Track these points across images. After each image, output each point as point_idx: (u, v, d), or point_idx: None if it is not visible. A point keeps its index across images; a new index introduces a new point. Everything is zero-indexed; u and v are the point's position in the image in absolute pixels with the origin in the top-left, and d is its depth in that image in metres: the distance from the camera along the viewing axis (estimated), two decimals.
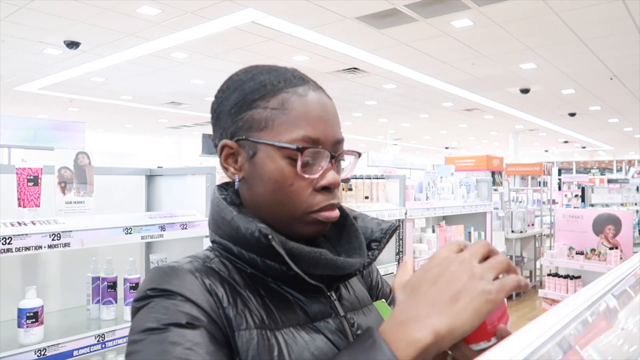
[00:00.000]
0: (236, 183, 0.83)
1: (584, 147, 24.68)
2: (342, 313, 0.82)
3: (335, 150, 0.80)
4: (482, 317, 0.58)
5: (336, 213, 0.81)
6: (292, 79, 0.80)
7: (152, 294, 0.71)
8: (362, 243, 0.87)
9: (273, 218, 0.80)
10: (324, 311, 0.80)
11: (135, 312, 0.72)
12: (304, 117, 0.77)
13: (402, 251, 3.24)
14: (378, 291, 0.99)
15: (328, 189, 0.79)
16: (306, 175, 0.77)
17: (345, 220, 0.90)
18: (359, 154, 0.86)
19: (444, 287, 0.61)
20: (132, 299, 0.78)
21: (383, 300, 0.94)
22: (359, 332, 0.82)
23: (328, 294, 0.82)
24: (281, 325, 0.75)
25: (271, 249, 0.74)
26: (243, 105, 0.79)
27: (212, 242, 0.84)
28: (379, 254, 0.88)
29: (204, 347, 0.65)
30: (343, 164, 0.85)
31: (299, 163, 0.76)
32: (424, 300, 0.61)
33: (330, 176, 0.78)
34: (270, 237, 0.73)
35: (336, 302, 0.82)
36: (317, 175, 0.78)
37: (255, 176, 0.80)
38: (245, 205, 0.83)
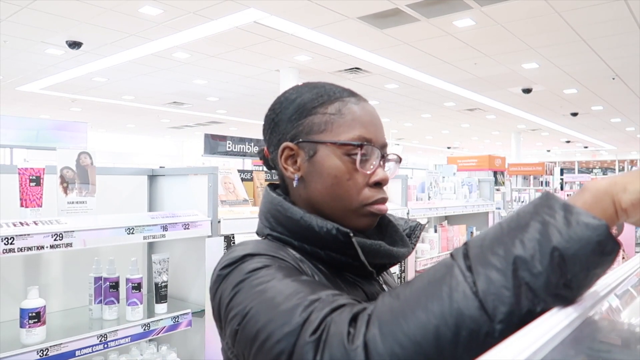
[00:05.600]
0: (295, 182, 0.90)
1: (586, 147, 24.64)
2: None
3: (383, 152, 0.89)
4: None
5: (386, 207, 0.89)
6: (342, 91, 0.91)
7: (245, 258, 0.77)
8: (403, 236, 0.97)
9: (329, 212, 0.88)
10: (377, 292, 0.90)
11: (225, 275, 0.77)
12: (359, 121, 0.87)
13: None
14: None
15: (379, 184, 0.88)
16: (362, 170, 0.85)
17: (382, 218, 0.99)
18: (400, 159, 0.96)
19: None
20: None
21: None
22: None
23: (377, 277, 0.93)
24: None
25: (344, 245, 0.82)
26: (303, 112, 0.88)
27: (268, 235, 0.90)
28: (414, 247, 0.99)
29: (309, 278, 0.73)
30: (387, 166, 0.94)
31: (358, 158, 0.84)
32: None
33: (382, 173, 0.87)
34: (351, 235, 0.81)
35: (384, 285, 0.94)
36: (370, 172, 0.86)
37: (314, 174, 0.88)
38: (297, 202, 0.91)
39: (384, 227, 0.98)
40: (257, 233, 0.94)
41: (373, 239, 0.97)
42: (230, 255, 0.79)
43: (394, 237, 0.96)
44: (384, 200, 0.88)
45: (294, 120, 0.89)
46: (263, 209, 0.92)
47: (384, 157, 0.89)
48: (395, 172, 0.96)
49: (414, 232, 1.00)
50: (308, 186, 0.89)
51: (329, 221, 0.83)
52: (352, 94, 0.91)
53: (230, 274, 0.76)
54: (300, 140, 0.88)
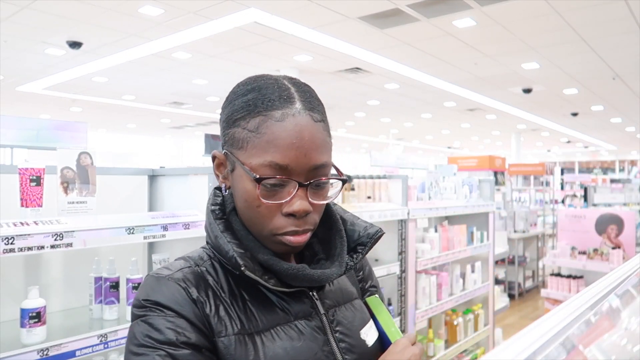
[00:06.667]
0: (224, 190, 0.89)
1: (586, 147, 24.64)
2: (322, 311, 0.88)
3: (310, 176, 0.80)
4: None
5: (302, 238, 0.83)
6: (276, 100, 0.80)
7: (147, 305, 0.79)
8: (343, 251, 0.91)
9: (250, 230, 0.85)
10: (305, 310, 0.86)
11: (133, 317, 0.80)
12: (274, 144, 0.78)
13: (404, 251, 3.24)
14: (366, 285, 1.06)
15: (294, 215, 0.81)
16: (266, 201, 0.79)
17: (335, 225, 0.94)
18: (343, 180, 0.85)
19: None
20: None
21: (376, 295, 1.01)
22: (338, 328, 0.88)
23: (310, 293, 0.89)
24: (262, 328, 0.82)
25: (252, 270, 0.81)
26: (229, 123, 0.83)
27: (207, 243, 0.90)
28: (361, 258, 0.93)
29: None
30: (332, 184, 0.86)
31: (258, 191, 0.79)
32: None
33: (297, 204, 0.80)
34: (242, 268, 0.79)
35: (318, 302, 0.88)
36: (282, 202, 0.80)
37: (234, 189, 0.86)
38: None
39: (332, 235, 0.93)
40: None
41: (315, 247, 0.94)
42: (143, 293, 0.81)
43: (333, 252, 0.91)
44: (296, 233, 0.81)
45: (224, 127, 0.85)
46: (206, 217, 0.91)
47: (303, 186, 0.80)
48: (336, 195, 0.87)
49: (370, 240, 0.93)
50: (234, 198, 0.87)
51: (234, 246, 0.82)
52: (286, 103, 0.80)
53: (137, 321, 0.79)
54: (226, 151, 0.85)
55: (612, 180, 11.64)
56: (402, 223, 3.24)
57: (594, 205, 7.03)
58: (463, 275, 3.96)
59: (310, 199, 0.81)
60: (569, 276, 5.50)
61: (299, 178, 0.79)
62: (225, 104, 0.87)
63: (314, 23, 6.90)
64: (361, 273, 1.06)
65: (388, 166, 10.09)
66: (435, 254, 3.51)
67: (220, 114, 0.88)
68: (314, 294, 0.89)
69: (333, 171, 0.85)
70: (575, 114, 14.05)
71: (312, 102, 0.83)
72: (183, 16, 6.61)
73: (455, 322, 3.79)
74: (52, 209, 1.73)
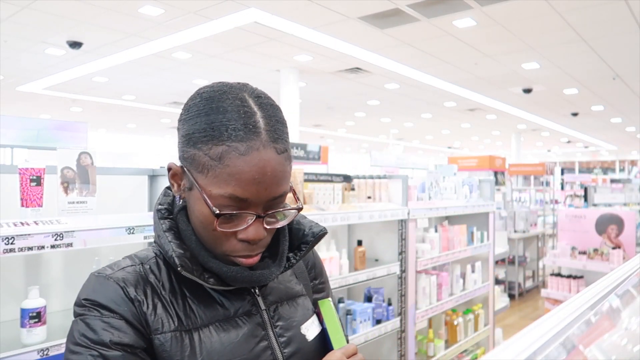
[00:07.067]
0: (177, 200, 0.91)
1: (586, 147, 24.64)
2: (263, 307, 0.91)
3: (267, 206, 0.83)
4: None
5: (253, 260, 0.86)
6: (241, 130, 0.78)
7: (86, 304, 0.82)
8: (284, 252, 0.94)
9: (204, 244, 0.87)
10: (246, 306, 0.90)
11: (75, 315, 0.83)
12: (236, 177, 0.78)
13: (404, 251, 3.23)
14: (317, 282, 1.09)
15: (249, 241, 0.84)
16: (222, 230, 0.81)
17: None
18: (298, 209, 0.88)
19: None
20: None
21: (329, 299, 1.03)
22: (278, 323, 0.91)
23: (252, 290, 0.92)
24: (200, 324, 0.84)
25: (191, 270, 0.84)
26: (189, 142, 0.83)
27: (155, 242, 0.91)
28: (303, 255, 0.96)
29: None
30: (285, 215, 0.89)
31: (216, 222, 0.80)
32: None
33: (252, 232, 0.82)
34: (179, 268, 0.82)
35: (259, 298, 0.92)
36: (238, 229, 0.82)
37: (190, 206, 0.87)
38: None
39: (278, 235, 0.95)
40: None
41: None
42: (84, 292, 0.85)
43: (279, 248, 0.94)
44: (249, 257, 0.85)
45: (183, 143, 0.85)
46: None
47: (260, 217, 0.82)
48: (290, 220, 0.89)
49: (314, 238, 0.96)
50: (189, 212, 0.88)
51: (174, 247, 0.84)
52: (251, 134, 0.79)
53: (77, 320, 0.82)
54: (183, 167, 0.85)
55: (612, 180, 11.63)
56: (402, 223, 3.24)
57: (594, 205, 7.02)
58: (463, 275, 3.96)
59: (265, 225, 0.84)
60: (569, 276, 5.51)
61: (257, 209, 0.82)
62: (185, 116, 0.86)
63: (314, 23, 6.90)
64: (313, 271, 1.09)
65: (388, 166, 10.09)
66: (436, 254, 3.51)
67: (179, 126, 0.87)
68: (256, 290, 0.92)
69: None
70: (575, 114, 14.06)
71: (277, 130, 0.82)
72: (183, 16, 6.61)
73: (455, 322, 3.79)
74: (52, 209, 1.73)
